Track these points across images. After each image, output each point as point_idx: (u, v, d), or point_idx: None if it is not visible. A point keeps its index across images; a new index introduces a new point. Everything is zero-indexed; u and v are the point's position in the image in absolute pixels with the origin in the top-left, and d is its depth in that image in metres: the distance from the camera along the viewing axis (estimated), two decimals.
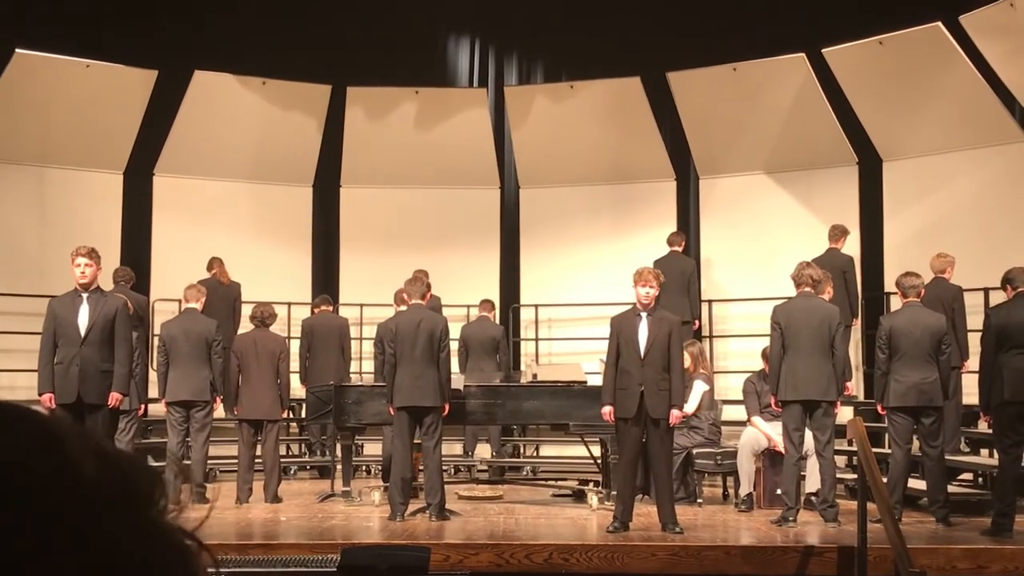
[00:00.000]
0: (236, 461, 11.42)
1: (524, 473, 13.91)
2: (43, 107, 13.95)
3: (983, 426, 10.84)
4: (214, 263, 13.73)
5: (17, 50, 13.43)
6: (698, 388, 11.17)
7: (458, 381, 10.74)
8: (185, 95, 14.70)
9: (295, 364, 13.90)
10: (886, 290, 13.19)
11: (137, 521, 0.79)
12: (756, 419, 10.87)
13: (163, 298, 14.05)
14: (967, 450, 11.66)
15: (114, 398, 9.42)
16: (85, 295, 9.43)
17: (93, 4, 14.17)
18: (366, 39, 15.37)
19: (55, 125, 14.08)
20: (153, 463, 9.63)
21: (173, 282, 12.85)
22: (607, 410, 9.30)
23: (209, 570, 0.84)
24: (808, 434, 9.59)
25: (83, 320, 9.37)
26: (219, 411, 11.38)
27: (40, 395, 9.40)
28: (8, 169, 13.99)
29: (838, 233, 12.89)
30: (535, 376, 11.46)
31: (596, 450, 11.55)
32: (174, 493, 0.83)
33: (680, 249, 13.91)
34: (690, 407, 10.89)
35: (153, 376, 11.63)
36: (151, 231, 15.00)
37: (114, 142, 14.56)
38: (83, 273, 9.41)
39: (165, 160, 15.01)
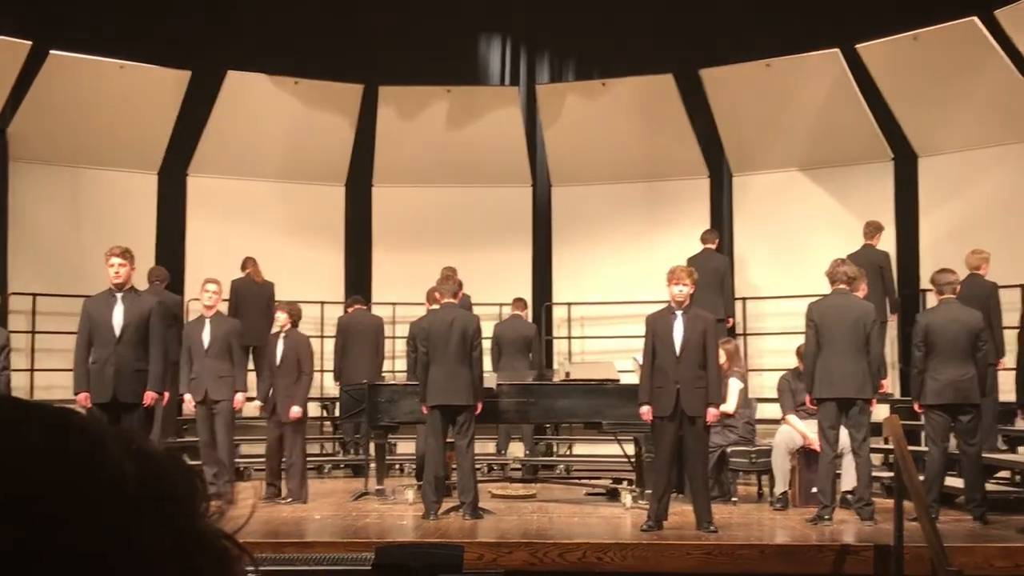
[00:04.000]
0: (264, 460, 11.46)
1: (557, 472, 13.89)
2: (78, 108, 14.03)
3: (1021, 423, 10.76)
4: (248, 263, 13.78)
5: (52, 51, 13.52)
6: (733, 386, 11.13)
7: (491, 380, 10.74)
8: (218, 95, 14.77)
9: (329, 363, 13.96)
10: (921, 287, 13.10)
11: (178, 525, 0.78)
12: (791, 417, 10.81)
13: (197, 298, 14.09)
14: (1004, 448, 11.56)
15: (149, 397, 9.47)
16: (119, 295, 9.49)
17: (126, 5, 14.24)
18: (398, 38, 15.38)
19: (90, 126, 14.16)
20: (189, 461, 9.67)
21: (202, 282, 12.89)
22: (645, 410, 9.27)
23: (247, 570, 0.84)
24: (844, 432, 9.53)
25: (118, 320, 9.43)
26: (249, 409, 11.38)
27: (75, 395, 9.47)
28: (44, 170, 14.08)
29: (873, 229, 12.82)
30: (568, 374, 11.45)
31: (630, 448, 11.53)
32: (213, 493, 0.83)
33: (714, 246, 13.86)
34: (729, 406, 10.86)
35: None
36: (185, 231, 15.08)
37: (148, 142, 14.64)
38: (117, 273, 9.47)
39: (199, 160, 15.08)
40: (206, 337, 10.83)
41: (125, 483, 0.77)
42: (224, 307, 12.09)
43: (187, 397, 10.93)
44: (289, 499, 10.82)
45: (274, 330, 11.42)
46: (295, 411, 10.92)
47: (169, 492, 0.79)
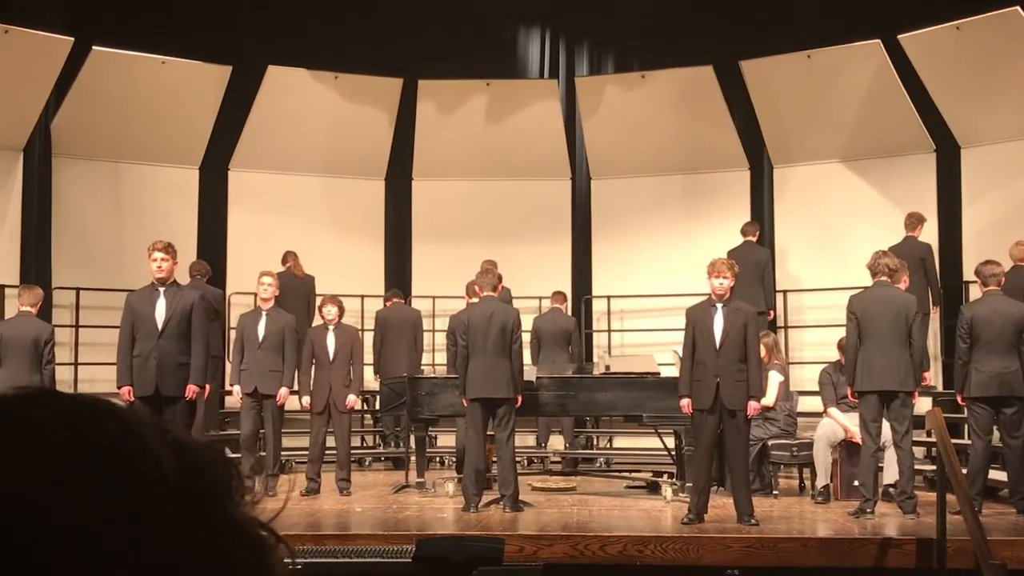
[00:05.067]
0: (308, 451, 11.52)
1: (597, 465, 13.87)
2: (120, 103, 14.14)
3: None
4: (288, 256, 13.85)
5: (94, 47, 13.62)
6: (773, 379, 11.08)
7: (530, 373, 10.74)
8: (259, 90, 14.85)
9: (368, 356, 13.99)
10: (965, 279, 12.99)
11: (215, 514, 0.79)
12: (833, 410, 10.75)
13: (239, 291, 14.19)
14: None
15: (191, 390, 9.55)
16: (162, 289, 9.57)
17: (168, 1, 14.34)
18: (437, 32, 15.40)
19: (132, 121, 14.26)
20: (230, 453, 9.73)
21: (249, 276, 12.96)
22: (685, 402, 9.26)
23: (285, 561, 0.84)
24: (886, 425, 9.48)
25: (160, 313, 9.51)
26: (293, 403, 11.44)
27: (119, 388, 9.55)
28: (86, 165, 14.20)
29: (915, 221, 12.73)
30: (608, 367, 11.44)
31: (670, 441, 11.50)
32: (250, 484, 0.84)
33: (754, 239, 13.81)
34: (769, 399, 10.81)
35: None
36: (226, 225, 15.17)
37: (190, 137, 14.74)
38: (160, 267, 9.55)
39: (240, 155, 15.16)
40: (261, 330, 10.89)
41: (162, 473, 0.77)
42: None
43: (235, 389, 10.98)
44: (347, 488, 10.94)
45: (318, 322, 11.48)
46: (353, 399, 11.11)
47: (206, 482, 0.80)
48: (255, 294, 11.48)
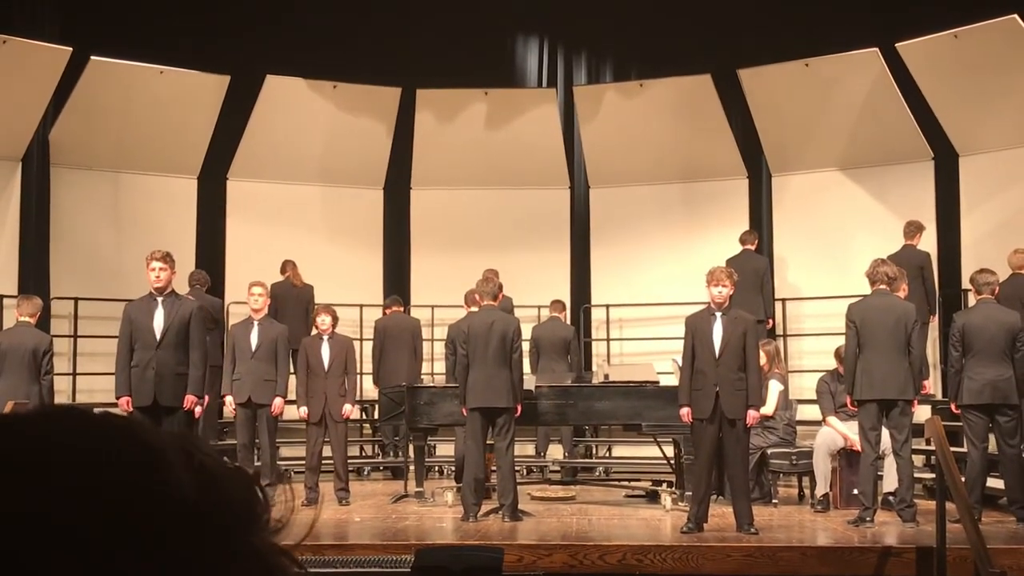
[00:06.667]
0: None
1: (597, 474, 13.87)
2: (118, 113, 14.14)
3: None
4: (287, 266, 13.84)
5: (92, 57, 13.63)
6: (773, 388, 11.08)
7: (529, 382, 10.73)
8: (257, 100, 14.85)
9: (368, 366, 13.97)
10: (963, 287, 12.99)
11: (235, 539, 0.78)
12: (832, 419, 10.74)
13: (238, 301, 14.16)
14: None
15: (189, 400, 9.53)
16: (160, 299, 9.55)
17: (166, 11, 14.34)
18: (435, 41, 15.41)
19: (130, 131, 14.26)
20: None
21: (247, 285, 12.98)
22: (685, 411, 9.26)
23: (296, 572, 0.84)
24: (885, 433, 9.47)
25: (158, 323, 9.49)
26: (290, 412, 11.42)
27: (117, 398, 9.54)
28: (84, 175, 14.20)
29: (913, 229, 12.74)
30: (607, 376, 11.42)
31: (669, 450, 11.50)
32: (273, 505, 0.83)
33: (753, 247, 13.81)
34: (768, 408, 10.81)
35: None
36: (225, 235, 15.16)
37: (188, 147, 14.74)
38: (158, 277, 9.53)
39: (238, 164, 15.16)
40: (254, 339, 10.86)
41: (183, 496, 0.76)
42: None
43: (228, 399, 10.97)
44: (346, 498, 10.91)
45: (313, 332, 11.46)
46: (348, 409, 11.05)
47: (228, 507, 0.79)
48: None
